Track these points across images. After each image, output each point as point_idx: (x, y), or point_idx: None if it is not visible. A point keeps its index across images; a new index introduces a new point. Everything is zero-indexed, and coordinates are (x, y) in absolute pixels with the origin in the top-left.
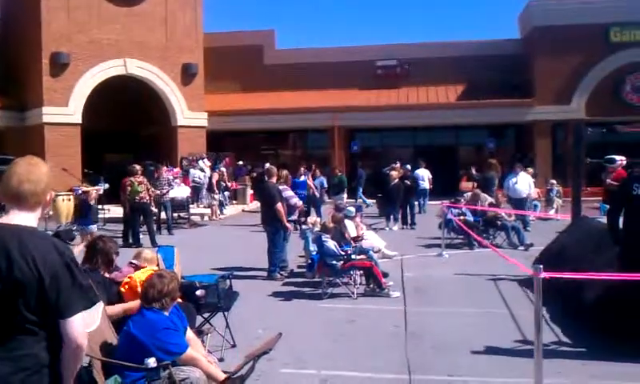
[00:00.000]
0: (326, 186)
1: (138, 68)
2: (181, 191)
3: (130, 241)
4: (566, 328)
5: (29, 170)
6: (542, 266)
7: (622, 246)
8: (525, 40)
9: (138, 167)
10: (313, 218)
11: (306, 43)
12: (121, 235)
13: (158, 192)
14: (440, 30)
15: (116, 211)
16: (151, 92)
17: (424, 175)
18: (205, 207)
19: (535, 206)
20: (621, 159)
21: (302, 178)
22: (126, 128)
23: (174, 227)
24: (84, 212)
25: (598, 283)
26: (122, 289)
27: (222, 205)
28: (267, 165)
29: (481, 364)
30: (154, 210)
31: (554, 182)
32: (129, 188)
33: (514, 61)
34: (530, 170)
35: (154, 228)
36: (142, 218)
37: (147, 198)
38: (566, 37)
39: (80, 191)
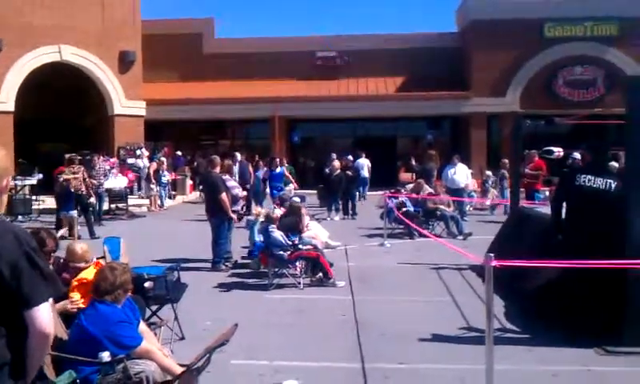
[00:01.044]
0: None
1: (73, 55)
2: (118, 181)
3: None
4: (510, 316)
5: None
6: (492, 255)
7: (565, 234)
8: (462, 33)
9: (70, 156)
10: (257, 209)
11: (246, 33)
12: (54, 227)
13: (95, 182)
14: (380, 23)
15: (50, 202)
16: (87, 80)
17: (364, 164)
18: (143, 198)
19: (471, 196)
20: (558, 150)
21: (279, 170)
22: (61, 117)
23: (112, 219)
24: (66, 198)
25: (541, 272)
26: (74, 282)
27: (161, 196)
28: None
29: (430, 351)
30: (92, 200)
31: (490, 172)
32: (60, 178)
33: (452, 54)
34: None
35: (92, 219)
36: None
37: (83, 188)
38: (502, 31)
39: (62, 178)
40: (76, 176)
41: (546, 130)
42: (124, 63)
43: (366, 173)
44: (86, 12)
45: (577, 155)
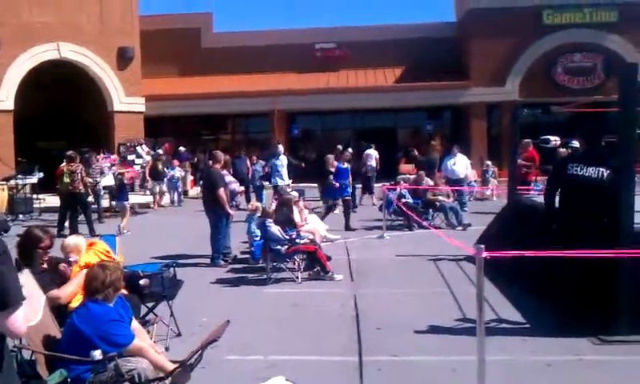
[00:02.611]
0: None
1: (71, 52)
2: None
3: (66, 232)
4: (506, 306)
5: None
6: (483, 246)
7: (558, 223)
8: (460, 23)
9: (70, 154)
10: (254, 204)
11: (244, 26)
12: (55, 225)
13: (91, 180)
14: (379, 13)
15: (52, 201)
16: (86, 77)
17: (372, 156)
18: (147, 194)
19: (471, 186)
20: (555, 139)
21: (346, 165)
22: (60, 114)
23: (112, 216)
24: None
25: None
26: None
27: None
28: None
29: (425, 343)
30: (91, 198)
31: (490, 162)
32: (61, 177)
33: (451, 43)
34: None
35: (92, 217)
36: (78, 207)
37: (81, 187)
38: (501, 19)
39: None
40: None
41: (547, 119)
42: (123, 59)
43: (373, 164)
44: (83, 9)
45: (575, 143)
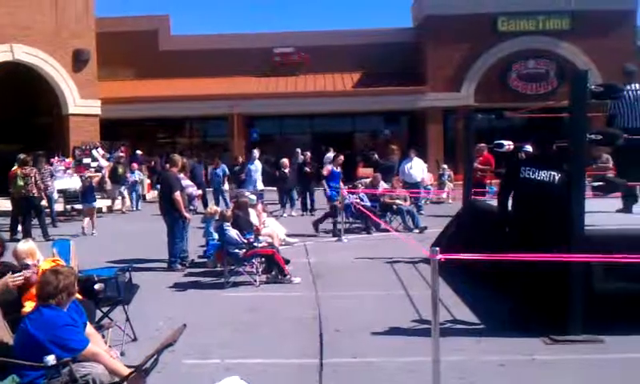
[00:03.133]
0: (228, 173)
1: (25, 54)
2: (73, 182)
3: (19, 236)
4: (461, 308)
5: None
6: (438, 249)
7: (511, 226)
8: (417, 29)
9: (22, 157)
10: (213, 207)
11: (203, 30)
12: (8, 229)
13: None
14: (337, 18)
15: (3, 204)
16: (41, 79)
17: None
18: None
19: (427, 190)
20: (508, 144)
21: (339, 170)
22: (15, 117)
23: (67, 220)
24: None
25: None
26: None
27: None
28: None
29: (383, 344)
30: (44, 202)
31: (446, 166)
32: (14, 180)
33: (408, 49)
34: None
35: (45, 221)
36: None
37: (35, 190)
38: (456, 26)
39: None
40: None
41: (502, 124)
42: (78, 62)
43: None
44: (38, 10)
45: (528, 148)
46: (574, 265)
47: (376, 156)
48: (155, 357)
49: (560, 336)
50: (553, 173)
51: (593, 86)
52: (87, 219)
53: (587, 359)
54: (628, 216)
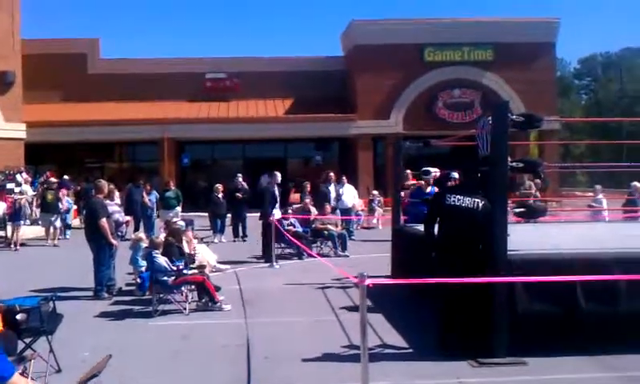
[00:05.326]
0: (157, 198)
1: None
2: None
3: None
4: (391, 332)
5: None
6: (366, 274)
7: (437, 251)
8: (347, 57)
9: None
10: (139, 234)
11: (134, 54)
12: None
13: None
14: (270, 45)
15: None
16: None
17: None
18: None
19: (358, 215)
20: (435, 171)
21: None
22: None
23: None
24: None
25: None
26: None
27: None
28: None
29: (312, 371)
30: None
31: (376, 192)
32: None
33: (338, 77)
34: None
35: None
36: None
37: None
38: (385, 55)
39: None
40: None
41: (429, 152)
42: (3, 84)
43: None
44: None
45: (455, 175)
46: (497, 288)
47: (308, 187)
48: None
49: (486, 358)
50: (476, 200)
51: (514, 116)
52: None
53: (511, 381)
54: (549, 240)
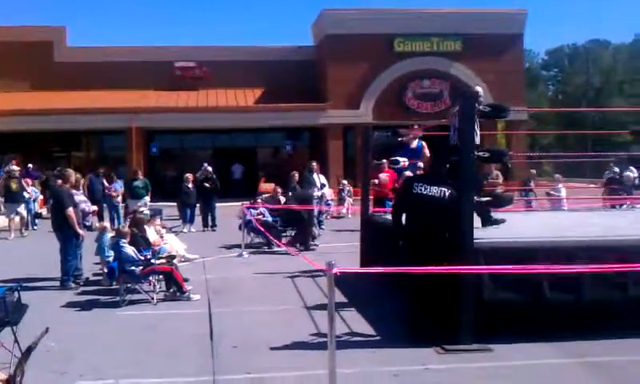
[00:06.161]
0: (123, 188)
1: None
2: None
3: None
4: (358, 320)
5: None
6: (334, 262)
7: (405, 240)
8: (318, 47)
9: None
10: (104, 223)
11: (102, 42)
12: None
13: None
14: (240, 34)
15: None
16: None
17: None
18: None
19: (328, 205)
20: (403, 160)
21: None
22: None
23: None
24: None
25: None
26: None
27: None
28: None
29: (280, 359)
30: None
31: (345, 182)
32: None
33: (309, 66)
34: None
35: None
36: None
37: None
38: (355, 45)
39: None
40: None
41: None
42: None
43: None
44: None
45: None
46: (464, 276)
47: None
48: (21, 366)
49: (452, 346)
50: (443, 189)
51: (481, 106)
52: None
53: (477, 367)
54: (515, 229)
